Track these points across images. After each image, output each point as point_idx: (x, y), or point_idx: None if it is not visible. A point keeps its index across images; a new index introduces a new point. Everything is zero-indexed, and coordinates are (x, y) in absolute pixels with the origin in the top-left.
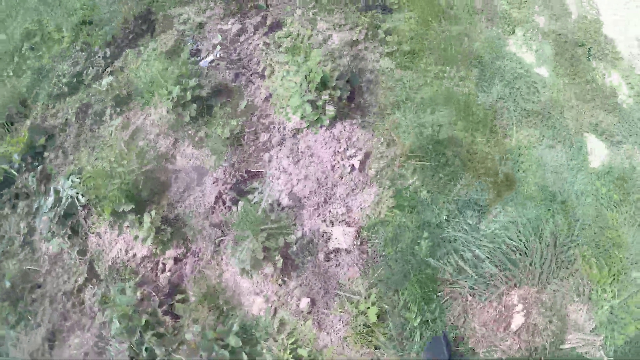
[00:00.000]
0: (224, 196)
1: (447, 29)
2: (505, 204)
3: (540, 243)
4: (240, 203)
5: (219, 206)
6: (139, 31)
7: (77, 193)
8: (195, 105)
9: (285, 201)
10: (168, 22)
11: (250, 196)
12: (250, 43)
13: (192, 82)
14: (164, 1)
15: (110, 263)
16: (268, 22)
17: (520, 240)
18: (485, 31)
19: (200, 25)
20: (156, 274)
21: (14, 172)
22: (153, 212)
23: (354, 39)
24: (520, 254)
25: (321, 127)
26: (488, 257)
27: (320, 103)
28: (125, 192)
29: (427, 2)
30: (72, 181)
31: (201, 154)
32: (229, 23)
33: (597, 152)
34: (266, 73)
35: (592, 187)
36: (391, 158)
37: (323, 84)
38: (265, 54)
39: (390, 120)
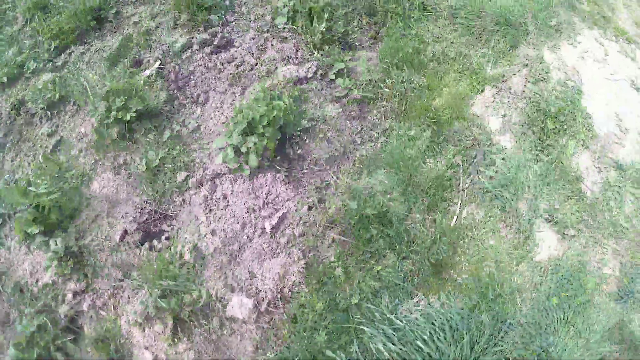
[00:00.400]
0: (129, 235)
1: (408, 78)
2: (430, 292)
3: (455, 348)
4: (145, 246)
5: (124, 245)
6: (87, 27)
7: None
8: (117, 128)
9: (187, 255)
10: (118, 21)
11: (155, 241)
12: (192, 62)
13: (118, 102)
14: None
15: (14, 282)
16: (216, 41)
17: (433, 341)
18: (451, 85)
19: (148, 32)
20: (56, 304)
21: None
22: (59, 240)
23: (301, 76)
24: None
25: (241, 176)
26: (392, 357)
27: (244, 149)
28: (34, 215)
29: (394, 42)
30: None
31: (117, 183)
32: (177, 35)
33: (546, 244)
34: (200, 100)
35: (531, 284)
36: (309, 225)
37: (251, 127)
38: (204, 77)
39: (318, 179)
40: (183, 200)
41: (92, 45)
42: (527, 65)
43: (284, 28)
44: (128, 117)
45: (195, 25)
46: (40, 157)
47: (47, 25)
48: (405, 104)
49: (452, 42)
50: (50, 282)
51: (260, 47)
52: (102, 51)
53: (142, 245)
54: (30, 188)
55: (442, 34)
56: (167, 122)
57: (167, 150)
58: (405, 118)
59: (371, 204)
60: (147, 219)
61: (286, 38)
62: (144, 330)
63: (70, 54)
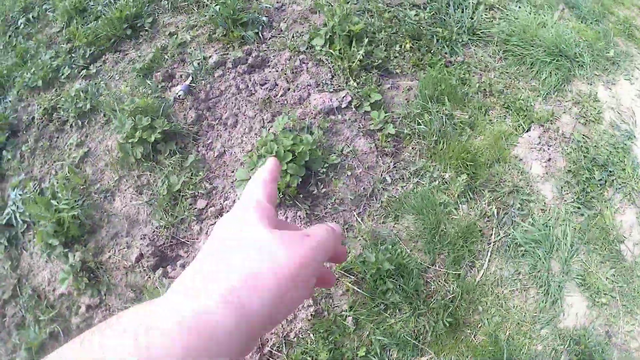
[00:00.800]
0: (144, 258)
1: (450, 113)
2: (442, 352)
3: None
4: (159, 271)
5: (139, 267)
6: (123, 35)
7: (16, 209)
8: (142, 148)
9: None
10: (154, 31)
11: (170, 267)
12: (225, 81)
13: (145, 122)
14: (159, 4)
15: (32, 287)
16: (250, 60)
17: None
18: (495, 122)
19: (183, 45)
20: (69, 315)
21: None
22: (77, 254)
23: (334, 105)
24: None
25: None
26: None
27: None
28: (55, 228)
29: (436, 72)
30: (16, 195)
31: (138, 203)
32: (211, 50)
33: (574, 309)
34: (229, 123)
35: (552, 352)
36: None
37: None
38: (235, 99)
39: (342, 219)
40: (201, 229)
41: (127, 54)
42: (579, 102)
43: (320, 50)
44: (152, 139)
45: (231, 41)
46: (66, 168)
47: (84, 31)
48: (443, 143)
49: (500, 73)
50: (67, 292)
51: (295, 69)
52: (136, 61)
53: (156, 269)
54: (53, 201)
55: (491, 63)
56: (192, 145)
57: (190, 174)
58: (442, 158)
59: (391, 257)
60: (164, 243)
61: (322, 62)
62: None
63: (104, 61)
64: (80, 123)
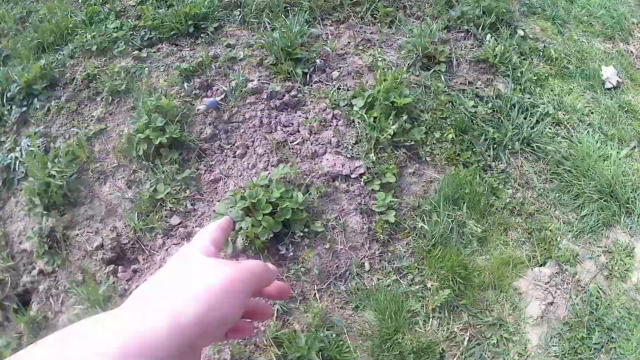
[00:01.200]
0: (103, 249)
1: (461, 220)
2: None
3: None
4: (110, 267)
5: (96, 255)
6: (185, 31)
7: (20, 156)
8: (145, 146)
9: None
10: (216, 36)
11: (121, 268)
12: (253, 110)
13: (158, 122)
14: (230, 13)
15: (5, 232)
16: (286, 97)
17: None
18: (509, 246)
19: (234, 59)
20: (23, 271)
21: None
22: (50, 220)
23: (344, 172)
24: None
25: (224, 250)
26: None
27: (237, 226)
28: (41, 188)
29: (467, 174)
30: (25, 144)
31: (123, 196)
32: (255, 74)
33: None
34: (237, 152)
35: None
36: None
37: (255, 209)
38: (254, 131)
39: (299, 290)
40: (164, 243)
41: (181, 50)
42: (610, 252)
43: (357, 112)
44: (158, 141)
45: (277, 72)
46: (78, 137)
47: (152, 14)
48: (441, 250)
49: (539, 194)
50: (29, 250)
51: (324, 122)
52: (185, 60)
53: (109, 264)
54: (49, 164)
55: (533, 180)
56: (195, 160)
57: (178, 188)
58: (432, 264)
59: (324, 347)
60: (127, 243)
61: (353, 123)
62: None
63: (158, 49)
64: (110, 99)
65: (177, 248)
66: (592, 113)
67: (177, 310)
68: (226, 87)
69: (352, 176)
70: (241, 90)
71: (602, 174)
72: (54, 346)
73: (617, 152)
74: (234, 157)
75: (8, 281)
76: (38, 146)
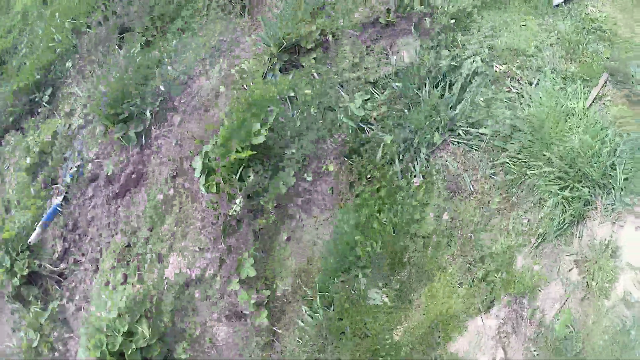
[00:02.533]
0: None
1: (369, 279)
2: None
3: None
4: None
5: None
6: (22, 111)
7: None
8: (10, 287)
9: None
10: (53, 107)
11: None
12: (94, 207)
13: (12, 256)
14: (60, 69)
15: None
16: (122, 179)
17: None
18: (441, 297)
19: (71, 137)
20: None
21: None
22: None
23: (194, 276)
24: None
25: None
26: None
27: None
28: None
29: (366, 210)
30: None
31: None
32: (94, 148)
33: None
34: (91, 268)
35: None
36: None
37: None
38: (100, 235)
39: None
40: None
41: (27, 135)
42: (586, 260)
43: (203, 185)
44: (17, 282)
45: (111, 142)
46: None
47: None
48: (350, 319)
49: (477, 201)
50: None
51: (166, 202)
52: (27, 154)
53: None
54: None
55: (466, 183)
56: (55, 290)
57: (49, 328)
58: (340, 344)
59: None
60: None
61: (198, 198)
62: None
63: (8, 142)
64: None
65: None
66: (541, 50)
67: None
68: (67, 179)
69: (206, 276)
70: (78, 179)
71: (567, 147)
72: None
73: (583, 100)
74: (89, 273)
75: None
76: None
